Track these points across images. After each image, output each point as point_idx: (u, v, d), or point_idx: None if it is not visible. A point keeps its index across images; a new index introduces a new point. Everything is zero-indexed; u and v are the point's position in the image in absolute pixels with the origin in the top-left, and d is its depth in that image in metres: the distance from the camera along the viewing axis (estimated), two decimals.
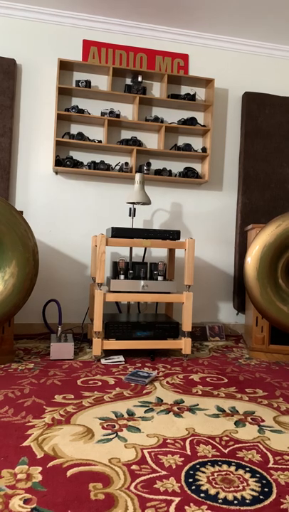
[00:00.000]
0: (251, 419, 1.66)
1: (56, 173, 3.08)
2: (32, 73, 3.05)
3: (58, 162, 2.96)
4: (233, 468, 1.27)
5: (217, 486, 1.17)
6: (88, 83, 2.99)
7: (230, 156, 3.39)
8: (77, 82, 2.98)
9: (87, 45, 3.11)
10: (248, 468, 1.28)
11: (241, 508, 1.08)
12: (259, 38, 3.30)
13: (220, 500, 1.10)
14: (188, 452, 1.37)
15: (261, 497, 1.13)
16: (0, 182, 2.90)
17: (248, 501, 1.10)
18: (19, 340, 2.89)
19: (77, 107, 2.95)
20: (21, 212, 2.33)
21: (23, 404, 1.72)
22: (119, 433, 1.49)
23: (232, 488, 1.16)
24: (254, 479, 1.21)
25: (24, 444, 1.37)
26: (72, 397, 1.82)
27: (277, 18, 3.02)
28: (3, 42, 3.00)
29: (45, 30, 3.07)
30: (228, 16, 3.01)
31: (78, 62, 2.96)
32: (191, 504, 1.08)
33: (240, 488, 1.17)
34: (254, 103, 3.31)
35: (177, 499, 1.10)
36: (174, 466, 1.27)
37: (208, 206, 3.34)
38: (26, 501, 1.07)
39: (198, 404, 1.79)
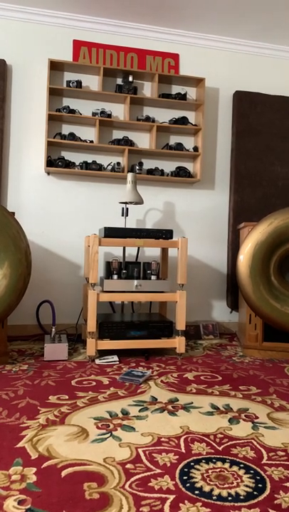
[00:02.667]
0: (245, 416, 1.67)
1: (48, 173, 3.08)
2: (22, 74, 3.04)
3: (50, 162, 2.95)
4: (227, 465, 1.28)
5: (211, 482, 1.18)
6: (79, 83, 2.98)
7: (221, 155, 3.40)
8: (68, 82, 2.98)
9: (77, 45, 3.11)
10: (242, 465, 1.28)
11: (235, 504, 1.08)
12: (249, 37, 3.32)
13: (214, 497, 1.11)
14: (183, 450, 1.37)
15: (255, 493, 1.13)
16: None
17: (242, 497, 1.11)
18: (13, 341, 2.88)
19: (68, 107, 2.95)
20: (13, 213, 2.32)
21: (17, 405, 1.72)
22: (113, 432, 1.49)
23: (226, 485, 1.17)
24: (248, 475, 1.22)
25: (18, 445, 1.37)
26: (67, 397, 1.82)
27: (267, 17, 3.04)
28: None
29: (36, 30, 3.06)
30: (218, 15, 3.02)
31: (69, 63, 2.95)
32: (186, 501, 1.09)
33: (235, 484, 1.17)
34: (245, 102, 3.32)
35: (172, 497, 1.11)
36: (168, 464, 1.28)
37: (200, 205, 3.35)
38: (21, 502, 1.07)
39: (192, 403, 1.80)
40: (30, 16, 3.02)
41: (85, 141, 3.02)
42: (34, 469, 1.23)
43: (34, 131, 3.06)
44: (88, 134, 3.13)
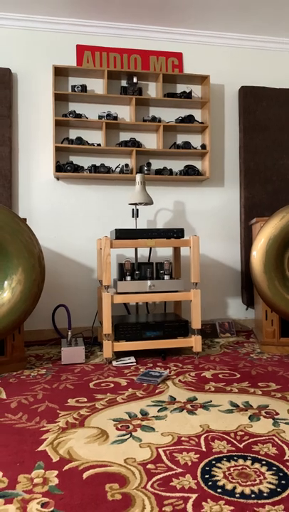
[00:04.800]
0: (265, 412, 1.66)
1: (57, 178, 3.10)
2: (28, 81, 3.07)
3: (59, 168, 2.97)
4: (249, 463, 1.27)
5: (234, 480, 1.17)
6: (84, 88, 3.00)
7: (230, 152, 3.38)
8: (73, 87, 3.00)
9: (80, 50, 3.13)
10: (264, 462, 1.27)
11: (259, 501, 1.07)
12: (251, 31, 3.30)
13: (237, 495, 1.10)
14: (204, 449, 1.36)
15: (279, 490, 1.12)
16: (2, 191, 2.92)
17: (265, 494, 1.10)
18: (30, 346, 2.90)
19: (74, 112, 2.97)
20: (25, 219, 2.34)
21: (36, 409, 1.73)
22: (133, 433, 1.49)
23: (249, 482, 1.16)
24: (271, 472, 1.21)
25: (39, 449, 1.38)
26: (86, 400, 1.83)
27: (268, 10, 3.01)
28: None
29: (39, 37, 3.09)
30: (220, 11, 3.01)
31: (73, 68, 2.97)
32: (209, 500, 1.08)
33: (257, 481, 1.16)
34: (251, 97, 3.30)
35: (194, 496, 1.10)
36: (189, 463, 1.27)
37: (210, 203, 3.34)
38: (44, 505, 1.07)
39: (211, 401, 1.79)
40: (33, 24, 3.05)
41: (93, 144, 3.04)
42: (56, 472, 1.23)
43: (42, 138, 3.08)
44: (95, 137, 3.15)
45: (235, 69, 3.39)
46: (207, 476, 1.19)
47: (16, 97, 3.05)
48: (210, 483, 1.16)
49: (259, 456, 1.30)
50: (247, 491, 1.12)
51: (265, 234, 2.43)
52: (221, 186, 3.36)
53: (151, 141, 3.24)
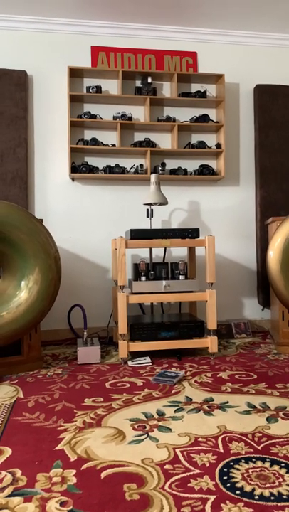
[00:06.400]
0: (283, 414, 1.64)
1: (73, 179, 3.12)
2: (43, 83, 3.09)
3: (74, 169, 2.99)
4: (267, 465, 1.25)
5: (252, 482, 1.16)
6: (99, 88, 3.01)
7: (245, 150, 3.36)
8: (88, 88, 3.01)
9: (95, 51, 3.14)
10: (283, 464, 1.25)
11: (279, 504, 1.06)
12: (266, 29, 3.26)
13: (256, 497, 1.09)
14: (221, 450, 1.35)
15: None
16: (18, 192, 2.95)
17: (285, 497, 1.08)
18: (46, 346, 2.92)
19: (89, 112, 2.98)
20: (41, 220, 2.36)
21: (53, 408, 1.74)
22: (150, 433, 1.49)
23: (268, 485, 1.14)
24: None
25: (57, 448, 1.39)
26: (102, 400, 1.83)
27: (282, 8, 2.98)
28: (14, 54, 3.06)
29: (53, 39, 3.11)
30: (233, 9, 2.98)
31: (88, 69, 2.99)
32: (227, 502, 1.07)
33: (277, 484, 1.15)
34: (266, 95, 3.27)
35: (213, 497, 1.09)
36: (207, 465, 1.26)
37: (226, 202, 3.32)
38: (63, 504, 1.08)
39: (228, 402, 1.78)
40: (47, 26, 3.08)
41: (107, 145, 3.05)
42: (74, 471, 1.24)
43: (57, 139, 3.10)
44: (110, 138, 3.16)
45: (250, 67, 3.36)
46: (225, 478, 1.18)
47: (32, 98, 3.08)
48: (228, 484, 1.15)
49: (278, 458, 1.29)
50: (266, 493, 1.11)
51: (281, 233, 2.41)
52: (236, 185, 3.33)
53: (165, 141, 3.23)
